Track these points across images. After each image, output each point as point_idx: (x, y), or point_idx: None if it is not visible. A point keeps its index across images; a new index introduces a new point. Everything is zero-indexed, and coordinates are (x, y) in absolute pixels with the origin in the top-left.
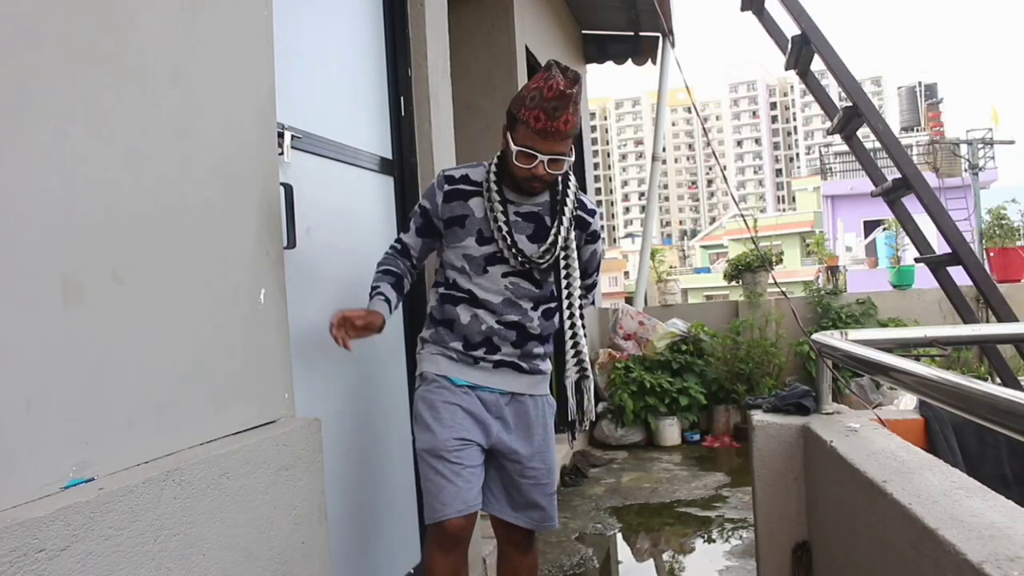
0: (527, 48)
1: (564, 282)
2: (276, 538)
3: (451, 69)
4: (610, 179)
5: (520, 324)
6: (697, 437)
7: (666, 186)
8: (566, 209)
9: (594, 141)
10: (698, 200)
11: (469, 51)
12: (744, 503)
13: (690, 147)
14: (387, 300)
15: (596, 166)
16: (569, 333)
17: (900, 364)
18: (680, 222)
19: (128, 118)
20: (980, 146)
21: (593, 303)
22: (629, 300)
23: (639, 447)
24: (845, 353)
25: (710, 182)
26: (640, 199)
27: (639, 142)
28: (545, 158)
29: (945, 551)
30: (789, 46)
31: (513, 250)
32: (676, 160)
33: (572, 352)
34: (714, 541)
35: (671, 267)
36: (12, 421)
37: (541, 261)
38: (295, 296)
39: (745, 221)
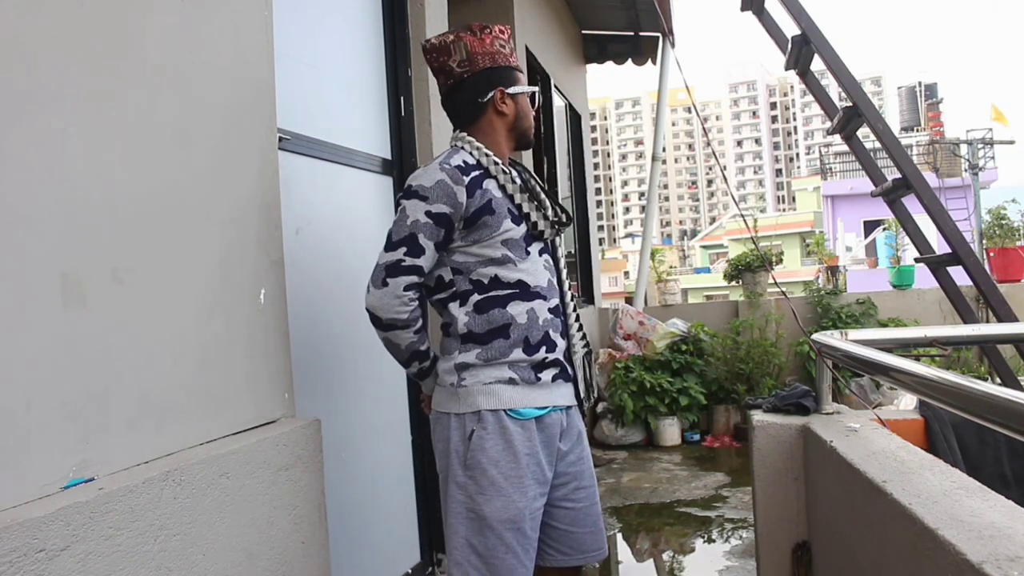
0: (527, 48)
1: (562, 249)
2: (276, 538)
3: None
4: (610, 179)
5: (559, 308)
6: (697, 437)
7: (666, 186)
8: (525, 167)
9: (594, 141)
10: (698, 200)
11: None
12: (744, 503)
13: (690, 147)
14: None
15: (596, 166)
16: (572, 305)
17: (900, 364)
18: (680, 222)
19: (128, 119)
20: (980, 146)
21: None
22: (629, 300)
23: (639, 447)
24: (845, 353)
25: (710, 182)
26: (640, 199)
27: (639, 142)
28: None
29: (945, 551)
30: (789, 46)
31: (548, 218)
32: (676, 160)
33: (576, 325)
34: (714, 541)
35: (671, 267)
36: (12, 421)
37: (570, 219)
38: (294, 296)
39: (745, 221)
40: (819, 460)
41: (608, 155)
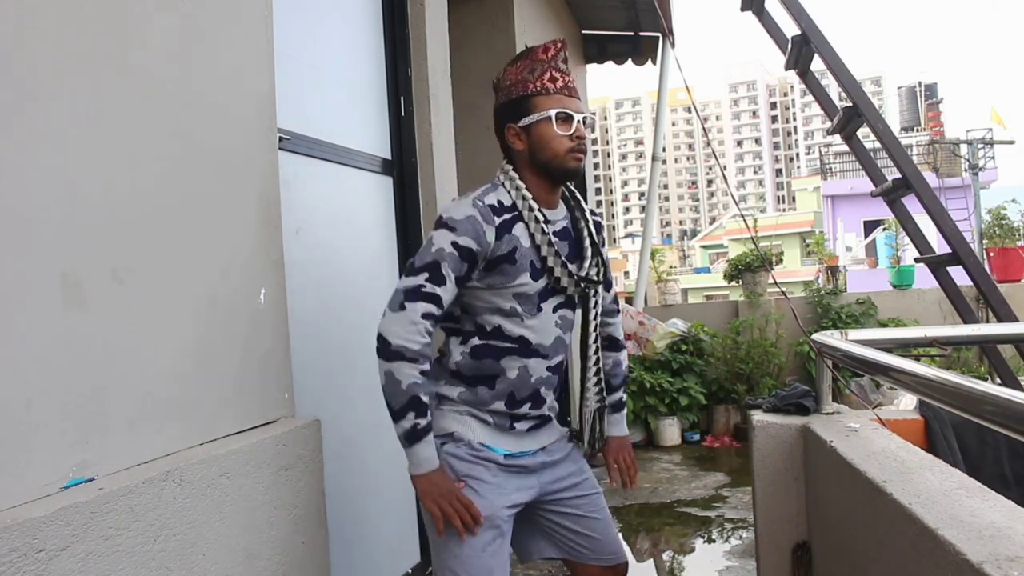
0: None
1: (594, 300)
2: (276, 538)
3: (451, 69)
4: (610, 179)
5: (562, 364)
6: (697, 437)
7: (666, 186)
8: (586, 212)
9: (594, 141)
10: (698, 200)
11: (469, 51)
12: (744, 503)
13: (690, 147)
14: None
15: (596, 166)
16: (593, 359)
17: (900, 364)
18: (680, 222)
19: (128, 119)
20: (980, 146)
21: (619, 312)
22: (629, 300)
23: (639, 447)
24: (845, 353)
25: (710, 182)
26: (640, 199)
27: (639, 142)
28: (580, 117)
29: (945, 551)
30: (789, 46)
31: (574, 276)
32: (676, 160)
33: (595, 379)
34: (714, 541)
35: (671, 267)
36: (12, 421)
37: (598, 280)
38: (294, 296)
39: (745, 221)
40: (819, 460)
41: (608, 155)
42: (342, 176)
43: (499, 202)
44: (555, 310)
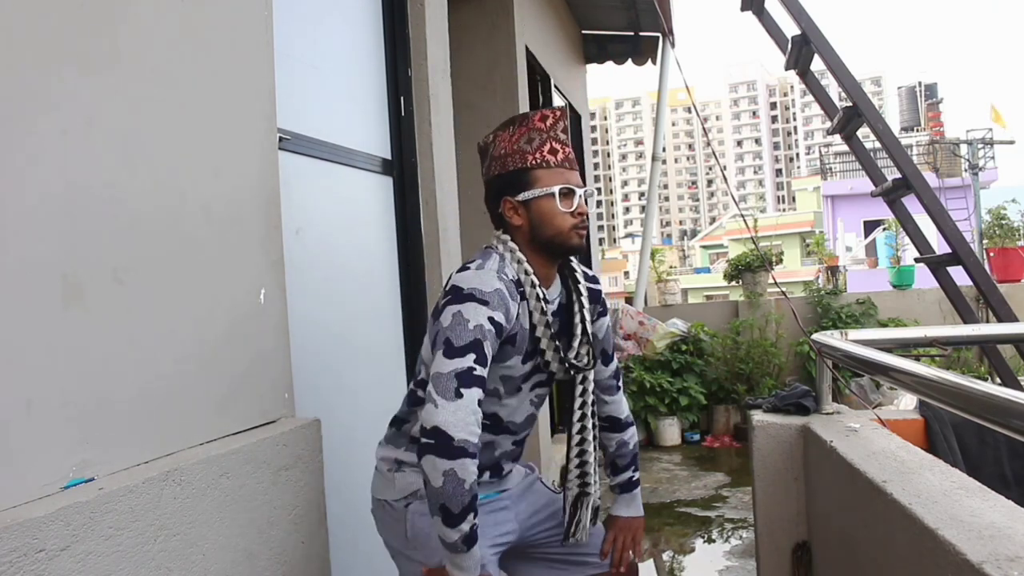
0: (527, 48)
1: (580, 387)
2: (276, 538)
3: (451, 69)
4: (610, 179)
5: (527, 437)
6: (697, 437)
7: (666, 186)
8: (581, 288)
9: (594, 141)
10: (698, 200)
11: (469, 51)
12: (744, 503)
13: (690, 147)
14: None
15: (596, 166)
16: (576, 449)
17: (900, 364)
18: (680, 222)
19: (128, 119)
20: (980, 146)
21: (620, 388)
22: (629, 300)
23: (639, 447)
24: (845, 353)
25: (710, 182)
26: (640, 199)
27: (639, 142)
28: (582, 192)
29: (945, 551)
30: (789, 46)
31: (565, 362)
32: (676, 160)
33: (576, 463)
34: (714, 541)
35: (671, 267)
36: (12, 421)
37: (587, 364)
38: (294, 296)
39: (745, 221)
40: (819, 460)
41: (608, 155)
42: (342, 176)
43: (511, 277)
44: (532, 388)
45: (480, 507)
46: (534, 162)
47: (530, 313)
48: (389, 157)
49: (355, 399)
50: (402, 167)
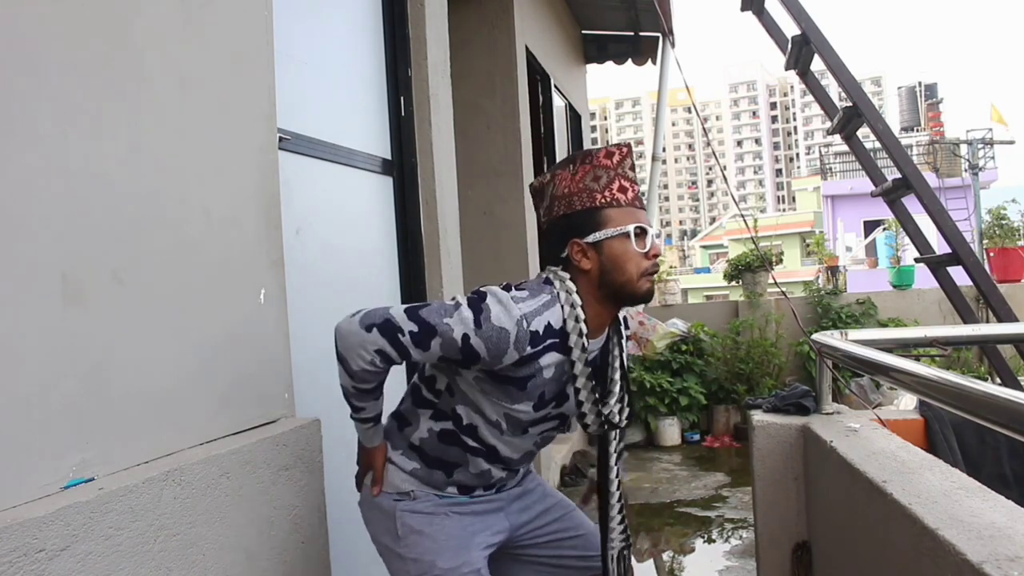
0: (527, 48)
1: (614, 443)
2: (276, 538)
3: (451, 69)
4: None
5: (519, 470)
6: (697, 437)
7: (666, 186)
8: (624, 342)
9: (594, 141)
10: (698, 200)
11: (469, 51)
12: (744, 503)
13: (690, 147)
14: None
15: None
16: (616, 495)
17: (900, 364)
18: (680, 222)
19: (128, 119)
20: (980, 146)
21: None
22: None
23: (639, 447)
24: (845, 353)
25: (710, 182)
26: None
27: (639, 142)
28: (654, 232)
29: (945, 551)
30: (789, 46)
31: (602, 420)
32: (676, 160)
33: (619, 518)
34: (714, 541)
35: (671, 267)
36: (12, 421)
37: (623, 423)
38: (294, 296)
39: (745, 221)
40: (819, 460)
41: None
42: (342, 176)
43: (548, 326)
44: (541, 433)
45: (473, 506)
46: (603, 201)
47: (559, 366)
48: (389, 157)
49: None
50: (402, 167)
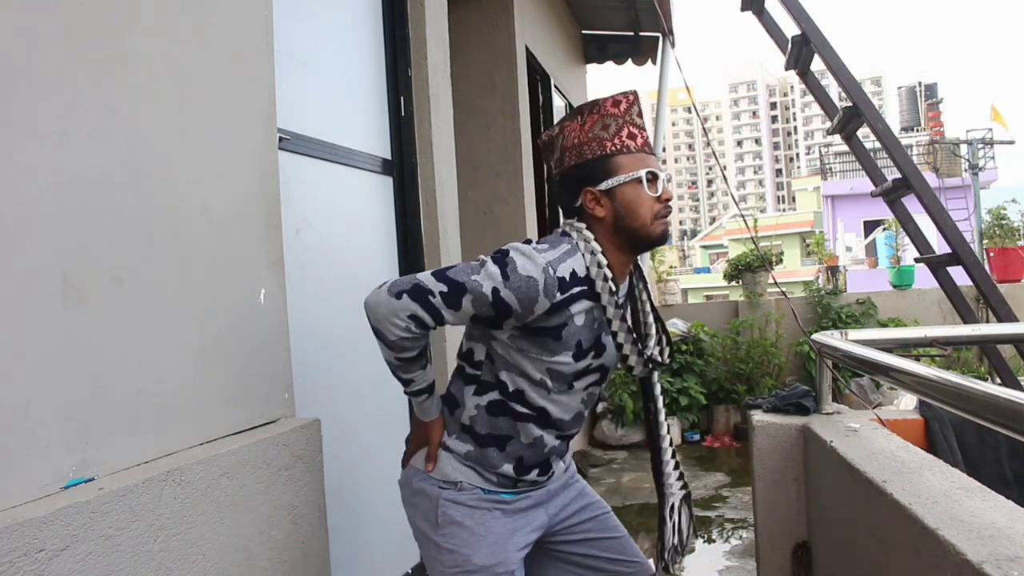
0: (527, 48)
1: (657, 385)
2: (276, 538)
3: (451, 69)
4: None
5: (576, 433)
6: (697, 437)
7: None
8: (647, 283)
9: None
10: (698, 200)
11: (469, 51)
12: (744, 503)
13: (690, 147)
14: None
15: None
16: (667, 440)
17: (900, 364)
18: (680, 222)
19: (128, 119)
20: (980, 146)
21: None
22: None
23: (639, 447)
24: (845, 353)
25: (710, 182)
26: None
27: None
28: (665, 175)
29: (945, 551)
30: (789, 46)
31: (646, 360)
32: (676, 160)
33: (673, 463)
34: (714, 541)
35: (671, 267)
36: (12, 421)
37: (669, 361)
38: (294, 296)
39: (745, 221)
40: (819, 460)
41: None
42: (342, 176)
43: (573, 273)
44: (586, 388)
45: (517, 503)
46: (614, 148)
47: (593, 312)
48: (389, 157)
49: (355, 399)
50: (402, 167)
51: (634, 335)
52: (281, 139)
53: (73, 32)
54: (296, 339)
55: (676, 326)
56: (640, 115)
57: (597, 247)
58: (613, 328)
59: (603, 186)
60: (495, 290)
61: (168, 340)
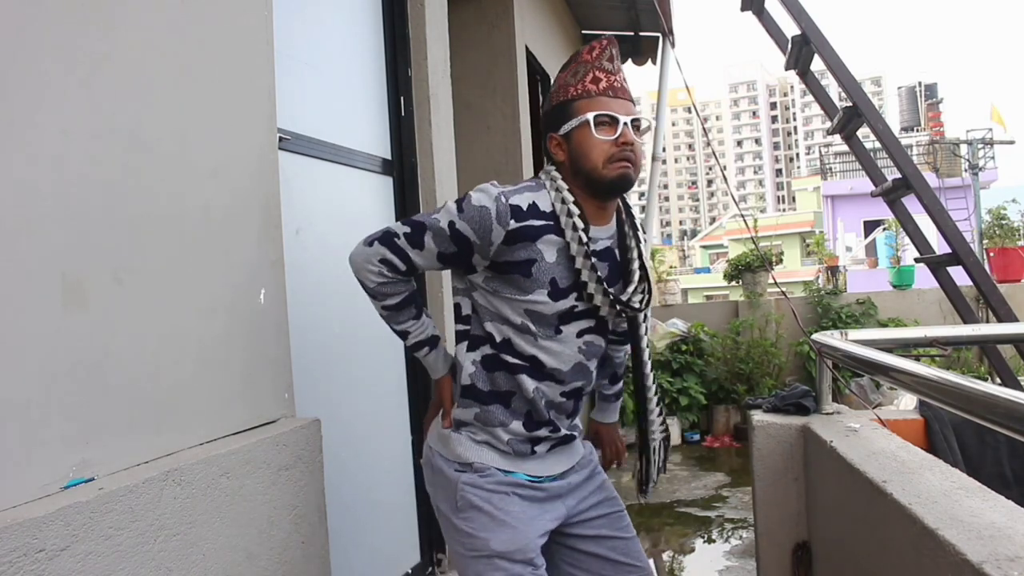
0: (527, 48)
1: (644, 327)
2: (276, 538)
3: (451, 69)
4: None
5: (582, 391)
6: (697, 437)
7: (666, 186)
8: (640, 234)
9: None
10: (698, 200)
11: (469, 51)
12: (744, 503)
13: (690, 147)
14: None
15: None
16: (653, 389)
17: (900, 364)
18: (680, 222)
19: (128, 119)
20: (980, 146)
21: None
22: None
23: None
24: (845, 353)
25: (710, 182)
26: (640, 199)
27: None
28: (626, 119)
29: (945, 551)
30: (789, 46)
31: (611, 298)
32: (676, 160)
33: (656, 411)
34: (714, 541)
35: (671, 267)
36: (12, 421)
37: (643, 308)
38: (294, 296)
39: (745, 221)
40: (819, 460)
41: None
42: (342, 176)
43: (532, 205)
44: (580, 335)
45: (536, 492)
46: (575, 93)
47: (562, 250)
48: (389, 157)
49: (355, 399)
50: (402, 167)
51: (603, 281)
52: (281, 139)
53: (73, 32)
54: (296, 339)
55: (676, 326)
56: (611, 59)
57: (564, 185)
58: (576, 265)
59: (562, 131)
60: (451, 223)
61: (168, 340)
